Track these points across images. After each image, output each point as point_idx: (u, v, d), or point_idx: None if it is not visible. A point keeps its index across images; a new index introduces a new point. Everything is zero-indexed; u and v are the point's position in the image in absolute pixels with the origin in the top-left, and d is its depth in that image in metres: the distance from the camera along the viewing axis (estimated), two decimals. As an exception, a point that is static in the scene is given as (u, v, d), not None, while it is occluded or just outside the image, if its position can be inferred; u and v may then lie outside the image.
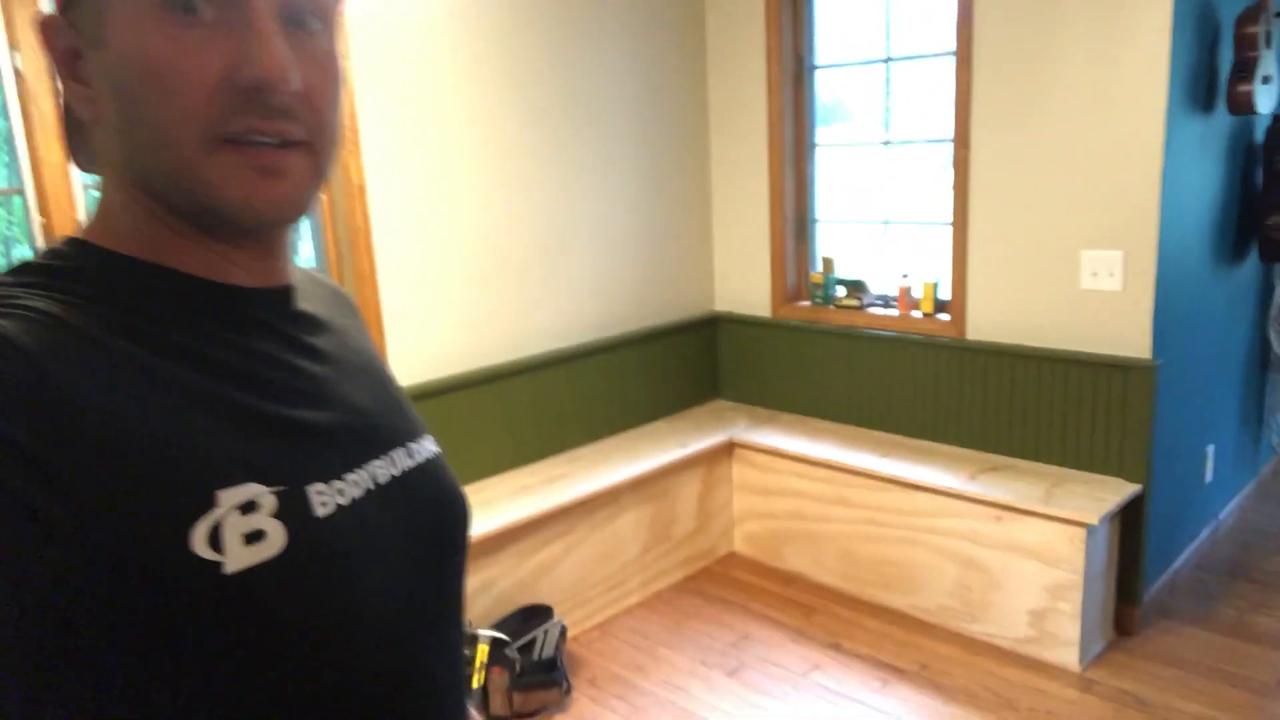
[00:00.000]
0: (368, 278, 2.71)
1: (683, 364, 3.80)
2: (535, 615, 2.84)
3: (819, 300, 3.59)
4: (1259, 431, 3.81)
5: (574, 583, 3.04)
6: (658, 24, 3.47)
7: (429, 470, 0.73)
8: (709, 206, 3.83)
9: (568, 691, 2.72)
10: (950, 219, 3.12)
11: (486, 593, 2.79)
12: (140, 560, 0.52)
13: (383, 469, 0.68)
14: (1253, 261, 3.43)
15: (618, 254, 3.47)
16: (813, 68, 3.55)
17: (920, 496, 3.01)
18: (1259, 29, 2.79)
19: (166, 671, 0.53)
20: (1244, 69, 2.82)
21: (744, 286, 3.81)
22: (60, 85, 0.62)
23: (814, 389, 3.63)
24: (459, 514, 0.75)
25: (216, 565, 0.53)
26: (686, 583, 3.39)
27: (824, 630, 3.05)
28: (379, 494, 0.66)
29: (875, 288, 3.54)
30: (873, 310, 3.45)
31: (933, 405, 3.28)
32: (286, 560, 0.56)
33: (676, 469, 3.32)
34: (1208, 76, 2.83)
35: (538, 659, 2.69)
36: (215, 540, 0.54)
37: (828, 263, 3.58)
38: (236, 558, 0.54)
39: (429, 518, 0.71)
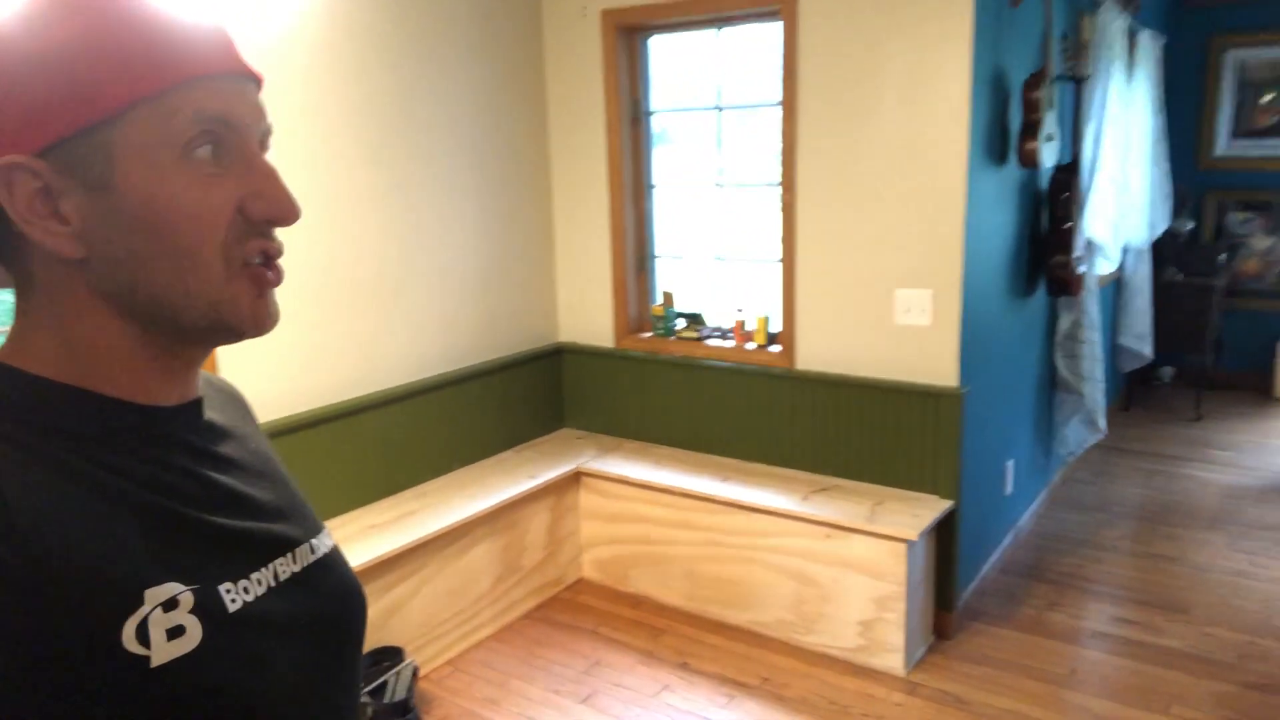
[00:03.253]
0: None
1: (529, 394, 3.86)
2: (385, 657, 2.82)
3: (660, 332, 3.74)
4: (1050, 444, 4.24)
5: (425, 620, 3.04)
6: (499, 64, 3.53)
7: (326, 565, 0.79)
8: (552, 240, 3.91)
9: (422, 731, 2.72)
10: (780, 257, 3.33)
11: (336, 636, 2.74)
12: (77, 654, 0.56)
13: (284, 566, 0.74)
14: (1041, 295, 3.84)
15: (461, 288, 3.49)
16: (648, 112, 3.70)
17: (757, 518, 3.19)
18: (1042, 94, 3.15)
19: None
20: (1030, 128, 3.17)
21: (588, 318, 3.91)
22: (23, 225, 0.62)
23: (657, 417, 3.77)
24: (356, 604, 0.82)
25: (145, 659, 0.58)
26: (537, 611, 3.45)
27: (672, 650, 3.17)
28: (280, 590, 0.72)
29: (712, 320, 3.72)
30: (710, 342, 3.63)
31: (767, 431, 3.48)
32: (202, 653, 0.62)
33: (526, 500, 3.37)
34: (1001, 134, 3.17)
35: (390, 702, 2.68)
36: (143, 636, 0.59)
37: (668, 296, 3.74)
38: (161, 652, 0.59)
39: (328, 608, 0.77)
